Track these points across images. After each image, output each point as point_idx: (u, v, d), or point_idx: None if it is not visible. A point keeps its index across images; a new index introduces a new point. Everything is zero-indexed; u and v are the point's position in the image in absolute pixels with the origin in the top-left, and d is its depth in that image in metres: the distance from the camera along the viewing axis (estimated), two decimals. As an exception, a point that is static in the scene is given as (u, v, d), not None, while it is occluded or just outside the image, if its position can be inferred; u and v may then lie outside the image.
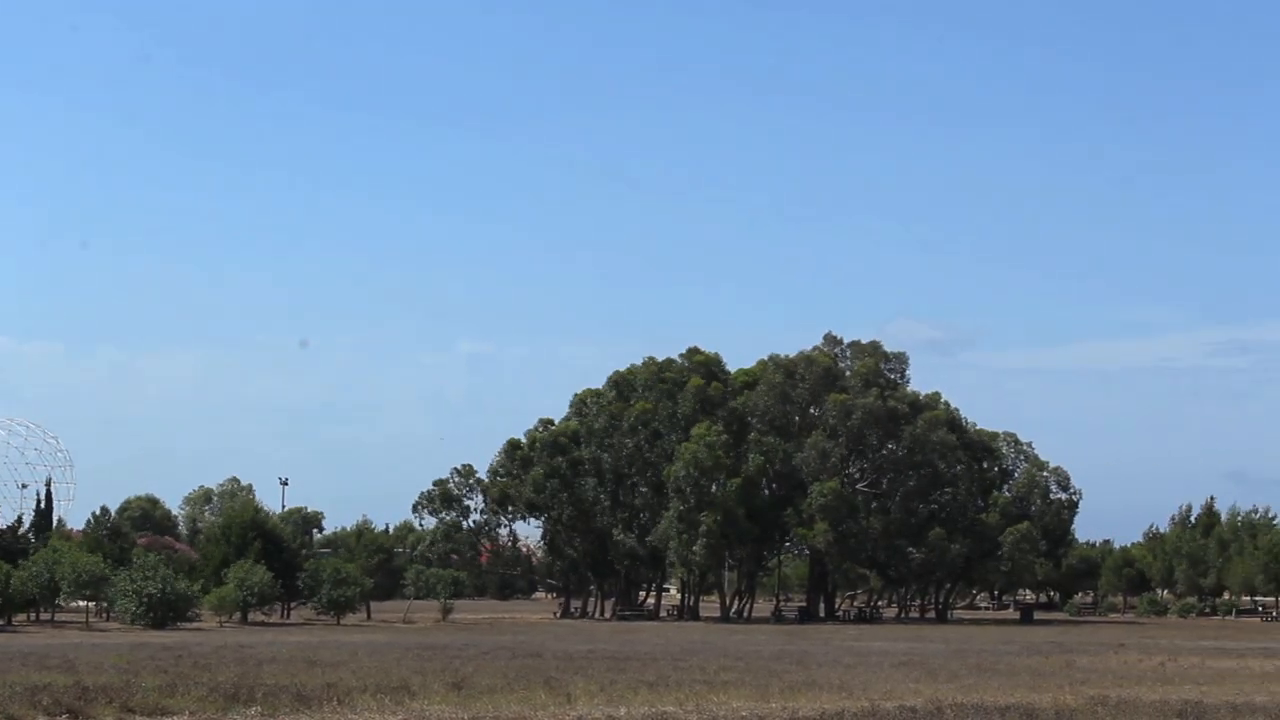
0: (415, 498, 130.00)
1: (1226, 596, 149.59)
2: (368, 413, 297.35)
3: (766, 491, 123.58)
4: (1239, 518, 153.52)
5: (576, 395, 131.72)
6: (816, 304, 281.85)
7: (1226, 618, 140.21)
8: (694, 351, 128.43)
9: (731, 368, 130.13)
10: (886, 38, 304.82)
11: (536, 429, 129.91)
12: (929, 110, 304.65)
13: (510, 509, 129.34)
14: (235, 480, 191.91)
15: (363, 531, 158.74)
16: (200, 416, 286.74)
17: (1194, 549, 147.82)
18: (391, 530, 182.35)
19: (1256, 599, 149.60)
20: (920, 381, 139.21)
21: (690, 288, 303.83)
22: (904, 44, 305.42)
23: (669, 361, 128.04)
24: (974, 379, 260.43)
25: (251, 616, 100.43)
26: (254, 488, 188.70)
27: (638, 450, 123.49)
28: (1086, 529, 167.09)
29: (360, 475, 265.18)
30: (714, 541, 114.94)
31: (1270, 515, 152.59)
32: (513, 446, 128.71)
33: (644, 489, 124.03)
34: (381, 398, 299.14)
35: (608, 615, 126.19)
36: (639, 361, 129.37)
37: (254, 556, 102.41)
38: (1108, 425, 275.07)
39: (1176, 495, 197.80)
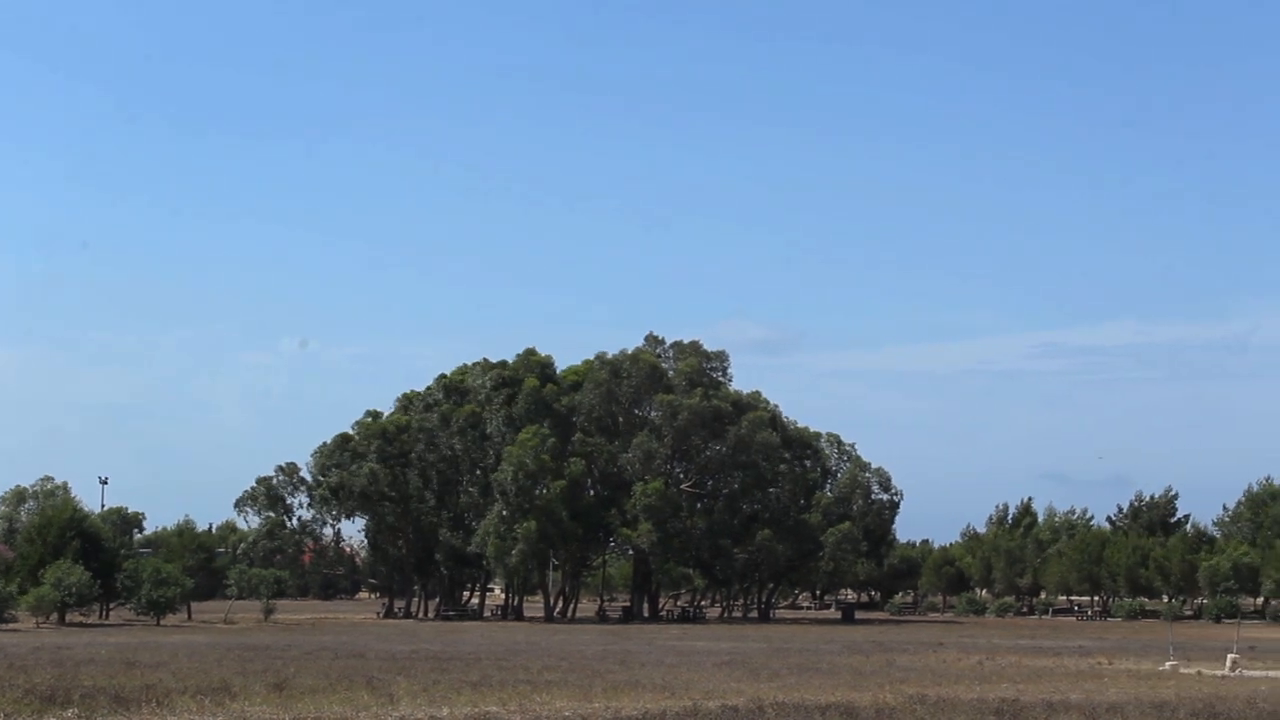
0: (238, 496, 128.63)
1: (1043, 596, 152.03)
2: (191, 411, 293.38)
3: (591, 492, 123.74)
4: (1055, 518, 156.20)
5: (404, 395, 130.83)
6: (646, 305, 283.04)
7: (1043, 617, 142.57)
8: (530, 353, 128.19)
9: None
10: (707, 39, 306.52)
11: (365, 420, 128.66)
12: (759, 112, 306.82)
13: (337, 507, 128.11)
14: (49, 479, 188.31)
15: (184, 531, 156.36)
16: (16, 414, 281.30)
17: (1011, 549, 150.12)
18: (214, 530, 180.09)
19: (1072, 598, 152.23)
20: (749, 382, 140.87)
21: (526, 290, 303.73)
22: (724, 46, 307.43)
23: (503, 363, 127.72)
24: (801, 379, 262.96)
25: (70, 617, 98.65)
26: (70, 486, 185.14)
27: (466, 451, 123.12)
28: (907, 529, 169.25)
29: (183, 474, 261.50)
30: (532, 547, 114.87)
31: (1086, 516, 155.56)
32: (344, 439, 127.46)
33: (471, 490, 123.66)
34: (207, 396, 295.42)
35: (431, 615, 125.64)
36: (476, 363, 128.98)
37: (72, 556, 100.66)
38: (929, 426, 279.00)
39: (995, 496, 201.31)
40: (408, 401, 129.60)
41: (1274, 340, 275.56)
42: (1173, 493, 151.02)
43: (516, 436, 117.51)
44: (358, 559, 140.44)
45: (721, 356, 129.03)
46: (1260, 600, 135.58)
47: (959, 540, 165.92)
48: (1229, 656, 54.04)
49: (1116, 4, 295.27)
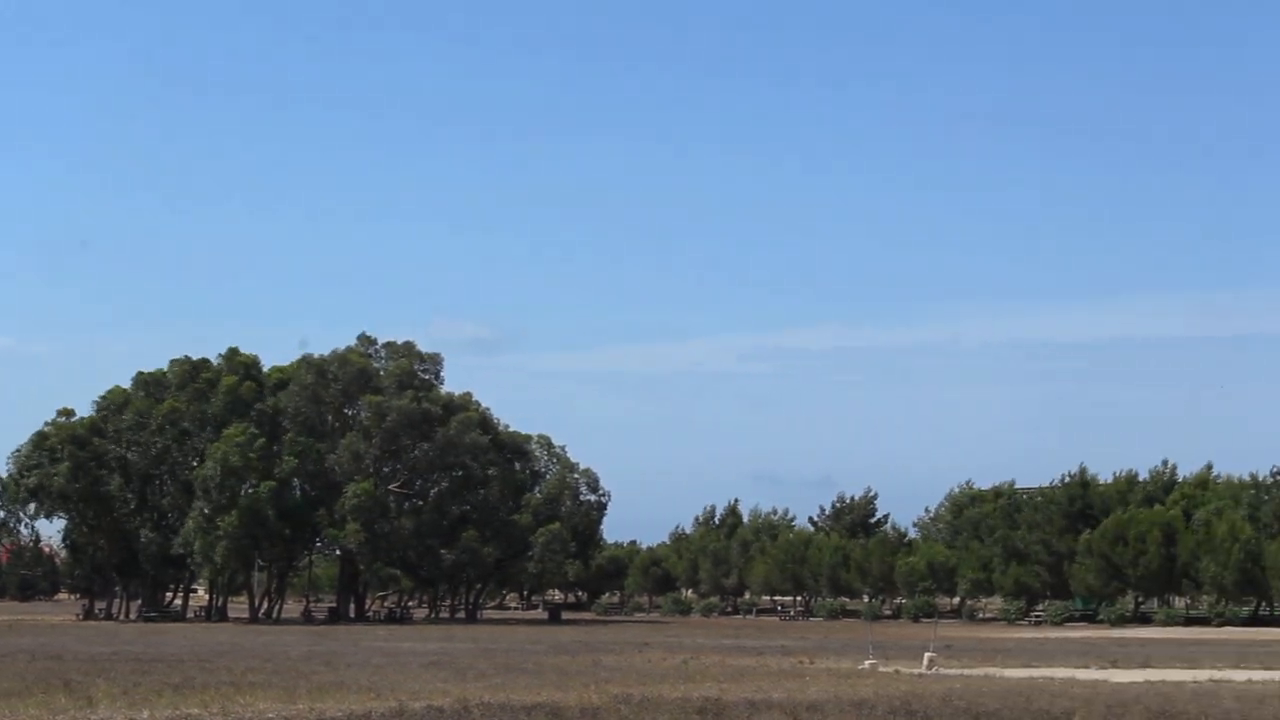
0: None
1: (747, 596, 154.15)
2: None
3: (299, 492, 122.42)
4: (760, 519, 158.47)
5: (102, 396, 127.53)
6: (362, 303, 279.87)
7: (747, 616, 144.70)
8: (234, 353, 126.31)
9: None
10: (412, 44, 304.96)
11: (58, 420, 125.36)
12: (473, 112, 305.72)
13: (35, 506, 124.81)
14: None
15: None
16: None
17: (717, 549, 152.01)
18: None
19: (776, 598, 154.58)
20: (462, 382, 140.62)
21: (230, 288, 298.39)
22: (433, 48, 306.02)
23: (204, 362, 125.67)
24: (517, 379, 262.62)
25: None
26: None
27: (166, 450, 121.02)
28: (618, 530, 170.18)
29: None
30: (237, 544, 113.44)
31: (789, 516, 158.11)
32: (41, 438, 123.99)
33: (172, 489, 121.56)
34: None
35: (133, 617, 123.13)
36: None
37: None
38: (641, 427, 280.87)
39: (707, 497, 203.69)
40: (107, 400, 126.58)
41: (978, 344, 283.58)
42: (873, 494, 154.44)
43: (220, 434, 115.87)
44: (57, 559, 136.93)
45: (435, 359, 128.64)
46: (957, 600, 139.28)
47: (667, 541, 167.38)
48: (926, 655, 55.32)
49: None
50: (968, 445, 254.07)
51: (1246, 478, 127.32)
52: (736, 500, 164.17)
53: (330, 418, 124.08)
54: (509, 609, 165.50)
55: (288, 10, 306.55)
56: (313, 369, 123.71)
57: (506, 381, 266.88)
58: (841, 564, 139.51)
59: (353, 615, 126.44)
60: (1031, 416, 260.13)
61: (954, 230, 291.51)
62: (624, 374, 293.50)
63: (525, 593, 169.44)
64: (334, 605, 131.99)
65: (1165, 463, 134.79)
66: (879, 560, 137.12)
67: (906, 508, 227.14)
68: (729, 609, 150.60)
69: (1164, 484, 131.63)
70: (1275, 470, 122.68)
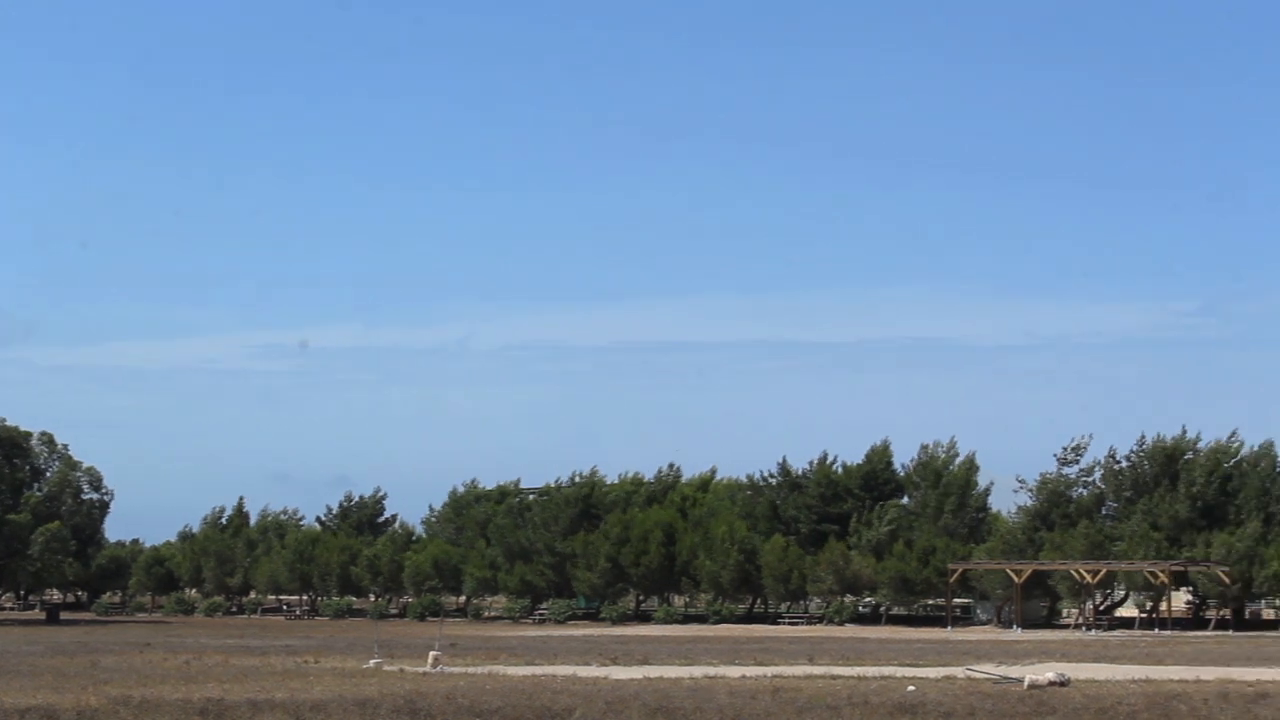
0: None
1: (253, 595, 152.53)
2: None
3: None
4: (269, 518, 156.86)
5: None
6: None
7: (252, 616, 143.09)
8: None
9: None
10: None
11: None
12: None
13: None
14: None
15: None
16: None
17: (223, 549, 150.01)
18: None
19: (282, 597, 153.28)
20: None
21: None
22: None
23: None
24: (21, 376, 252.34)
25: None
26: None
27: None
28: (123, 529, 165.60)
29: None
30: None
31: (299, 515, 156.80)
32: None
33: None
34: None
35: None
36: None
37: None
38: (150, 426, 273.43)
39: (221, 495, 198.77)
40: None
41: (490, 346, 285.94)
42: (382, 493, 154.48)
43: None
44: None
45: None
46: (462, 599, 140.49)
47: (173, 540, 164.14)
48: (431, 654, 55.89)
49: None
50: (478, 445, 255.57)
51: (745, 479, 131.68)
52: (243, 499, 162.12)
53: None
54: (4, 609, 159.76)
55: None
56: None
57: (12, 378, 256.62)
58: (350, 562, 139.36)
59: None
60: (541, 417, 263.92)
61: (469, 232, 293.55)
62: (134, 371, 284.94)
63: (22, 593, 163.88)
64: None
65: (670, 465, 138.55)
66: (388, 559, 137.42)
67: (416, 507, 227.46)
68: (234, 609, 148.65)
69: (667, 485, 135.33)
70: (770, 473, 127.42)
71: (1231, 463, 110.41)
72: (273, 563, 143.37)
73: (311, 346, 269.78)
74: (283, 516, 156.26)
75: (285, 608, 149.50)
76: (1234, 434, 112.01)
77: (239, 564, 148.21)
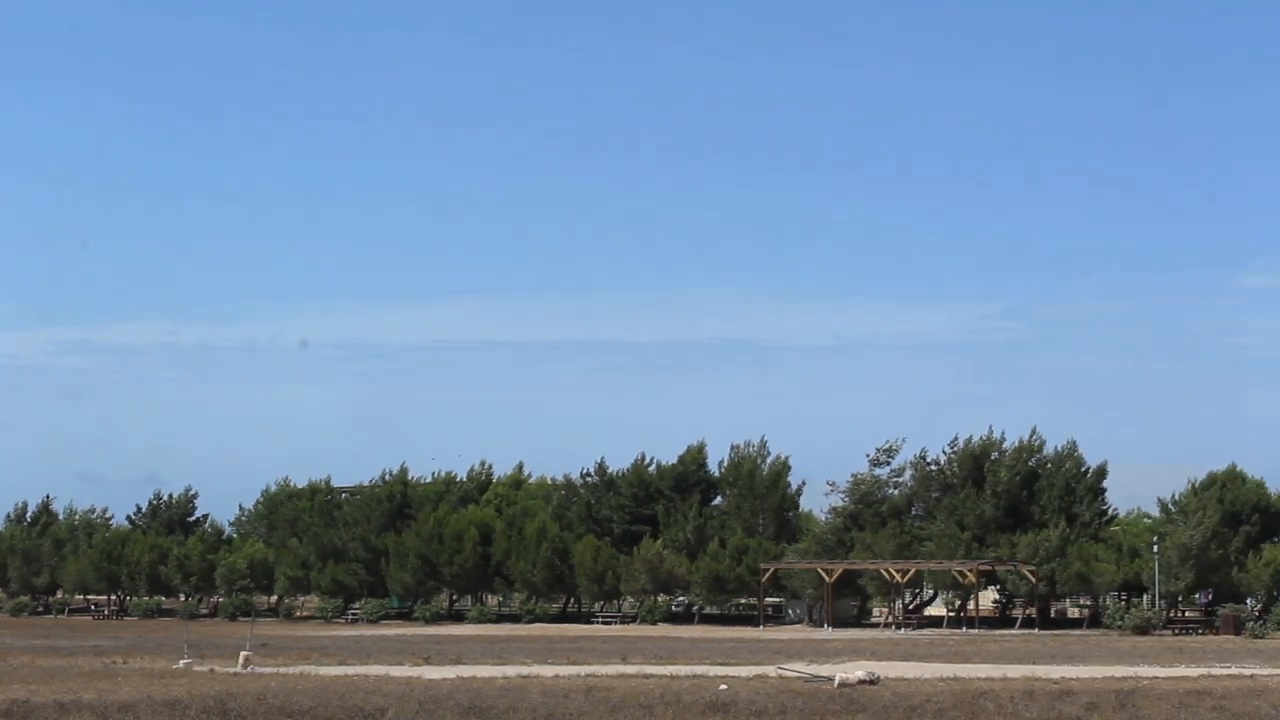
0: None
1: (60, 595, 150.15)
2: None
3: None
4: (76, 516, 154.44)
5: None
6: None
7: (59, 616, 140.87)
8: None
9: None
10: None
11: None
12: None
13: None
14: None
15: None
16: None
17: (29, 547, 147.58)
18: None
19: (90, 597, 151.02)
20: None
21: None
22: None
23: None
24: None
25: None
26: None
27: None
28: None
29: None
30: None
31: (108, 514, 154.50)
32: None
33: None
34: None
35: None
36: None
37: None
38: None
39: (25, 495, 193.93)
40: None
41: (298, 343, 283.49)
42: (193, 492, 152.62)
43: None
44: None
45: None
46: (274, 598, 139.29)
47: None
48: (242, 654, 55.41)
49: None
50: (290, 444, 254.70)
51: (560, 478, 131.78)
52: (49, 497, 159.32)
53: None
54: None
55: None
56: None
57: None
58: (160, 561, 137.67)
59: None
60: (353, 415, 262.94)
61: (282, 230, 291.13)
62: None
63: None
64: None
65: (483, 463, 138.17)
66: (199, 558, 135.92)
67: (227, 506, 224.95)
68: (41, 609, 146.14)
69: (480, 484, 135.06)
70: (588, 472, 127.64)
71: (1034, 460, 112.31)
72: (80, 562, 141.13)
73: (133, 344, 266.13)
74: (92, 515, 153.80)
75: (93, 608, 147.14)
76: (1034, 431, 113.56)
77: (45, 563, 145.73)
